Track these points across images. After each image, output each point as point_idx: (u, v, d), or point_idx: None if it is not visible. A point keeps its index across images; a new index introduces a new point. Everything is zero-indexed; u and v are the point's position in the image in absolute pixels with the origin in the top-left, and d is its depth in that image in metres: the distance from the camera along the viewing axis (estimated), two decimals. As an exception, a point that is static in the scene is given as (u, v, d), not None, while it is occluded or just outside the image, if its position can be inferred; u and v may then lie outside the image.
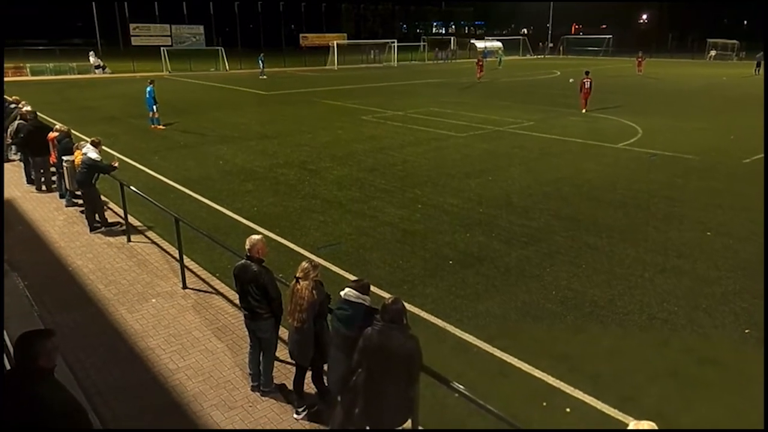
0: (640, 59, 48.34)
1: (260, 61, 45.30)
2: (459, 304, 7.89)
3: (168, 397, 5.94)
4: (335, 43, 57.33)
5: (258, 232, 9.35)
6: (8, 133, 14.29)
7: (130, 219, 10.66)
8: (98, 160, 10.54)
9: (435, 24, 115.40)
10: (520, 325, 7.37)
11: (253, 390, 6.03)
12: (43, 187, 13.34)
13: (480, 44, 75.61)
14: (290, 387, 5.89)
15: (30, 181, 13.78)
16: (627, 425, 3.09)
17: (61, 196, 12.58)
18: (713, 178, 14.35)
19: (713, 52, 67.10)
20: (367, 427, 4.85)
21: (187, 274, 8.65)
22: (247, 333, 6.12)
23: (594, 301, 7.96)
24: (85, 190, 10.65)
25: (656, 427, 2.94)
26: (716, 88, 36.42)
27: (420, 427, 4.89)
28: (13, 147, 15.49)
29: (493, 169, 15.23)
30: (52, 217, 11.60)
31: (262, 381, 6.01)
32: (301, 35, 65.90)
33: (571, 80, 41.36)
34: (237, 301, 6.62)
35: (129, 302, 7.98)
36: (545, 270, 8.95)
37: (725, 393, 6.04)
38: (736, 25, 78.64)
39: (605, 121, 22.96)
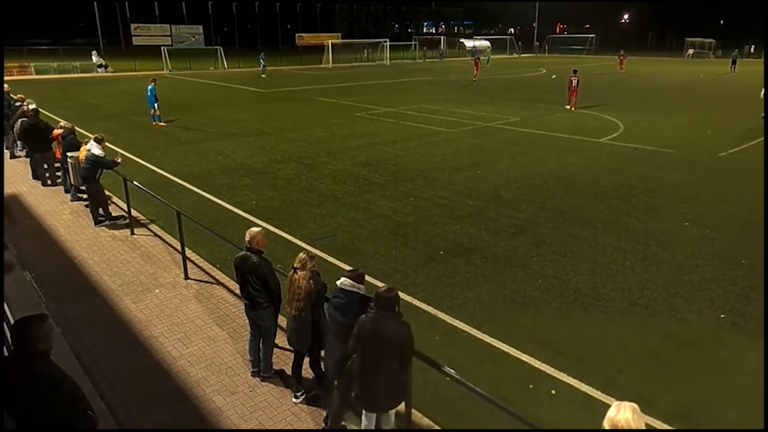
0: (621, 57, 48.37)
1: (261, 60, 44.98)
2: (449, 292, 7.92)
3: (172, 383, 5.93)
4: (330, 42, 57.02)
5: (257, 225, 9.32)
6: (14, 130, 14.18)
7: (133, 213, 10.60)
8: (102, 156, 10.47)
9: (426, 24, 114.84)
10: (507, 312, 7.41)
11: (253, 375, 6.04)
12: (49, 182, 13.24)
13: (469, 43, 75.35)
14: (289, 372, 5.90)
15: (35, 177, 13.67)
16: (609, 406, 3.11)
17: (66, 191, 12.50)
18: (691, 171, 14.42)
19: (691, 51, 67.25)
20: (363, 410, 4.88)
21: (189, 265, 8.62)
22: (247, 321, 6.12)
23: (578, 288, 8.00)
24: (89, 185, 10.57)
25: (637, 408, 2.96)
26: (694, 85, 36.53)
27: (413, 410, 4.92)
28: (19, 143, 15.38)
29: (481, 163, 15.24)
30: (58, 211, 11.52)
31: (261, 367, 6.02)
32: (297, 35, 65.52)
33: (553, 76, 41.48)
34: (237, 291, 6.62)
35: (133, 293, 7.95)
36: (532, 259, 8.99)
37: (702, 375, 6.11)
38: (712, 24, 78.75)
39: (588, 117, 23.00)
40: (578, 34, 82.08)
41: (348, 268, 6.47)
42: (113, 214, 10.93)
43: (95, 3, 50.98)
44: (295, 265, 5.31)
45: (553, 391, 5.78)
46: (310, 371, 5.80)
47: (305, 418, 5.43)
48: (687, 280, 8.21)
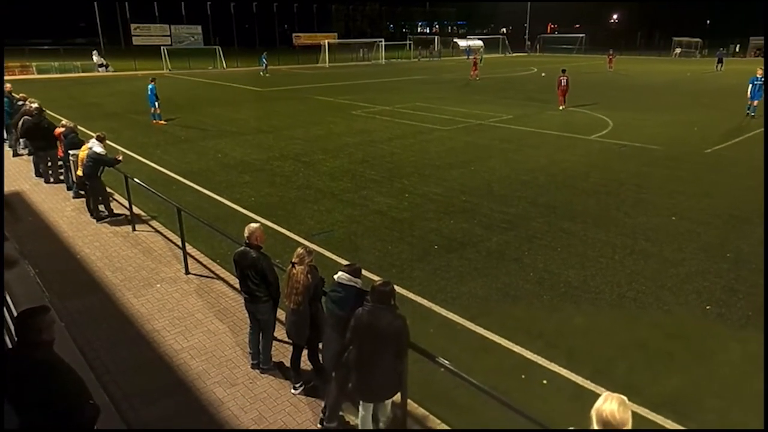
0: (610, 57, 48.40)
1: (263, 59, 44.75)
2: (444, 285, 7.93)
3: (173, 375, 5.93)
4: (326, 42, 56.79)
5: (256, 221, 9.27)
6: (17, 128, 14.09)
7: (135, 209, 10.57)
8: (103, 153, 10.43)
9: (420, 24, 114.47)
10: (500, 305, 7.43)
11: (253, 368, 6.04)
12: (51, 180, 13.18)
13: (462, 43, 75.24)
14: (288, 364, 5.91)
15: (38, 174, 13.60)
16: (599, 396, 3.12)
17: (69, 188, 12.44)
18: (678, 167, 14.47)
19: (678, 50, 67.33)
20: (360, 400, 4.89)
21: (190, 260, 8.60)
22: (246, 315, 6.12)
23: (569, 281, 8.03)
24: (91, 182, 10.53)
25: (625, 400, 2.97)
26: (681, 84, 36.60)
27: (408, 400, 4.93)
28: (21, 141, 15.28)
29: (474, 160, 15.24)
30: (60, 207, 11.47)
31: (261, 359, 6.02)
32: (294, 35, 65.15)
33: (543, 74, 41.54)
34: (237, 286, 6.61)
35: (135, 288, 7.94)
36: (524, 253, 9.01)
37: (689, 364, 6.15)
38: (699, 24, 78.89)
39: (579, 115, 23.03)
40: (569, 34, 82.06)
41: (345, 262, 6.46)
42: (115, 211, 10.88)
43: (95, 3, 50.57)
44: (293, 260, 5.31)
45: (545, 381, 5.80)
46: (309, 363, 5.80)
47: (304, 408, 5.44)
48: (674, 273, 8.26)
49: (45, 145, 12.93)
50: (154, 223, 10.58)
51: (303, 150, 16.57)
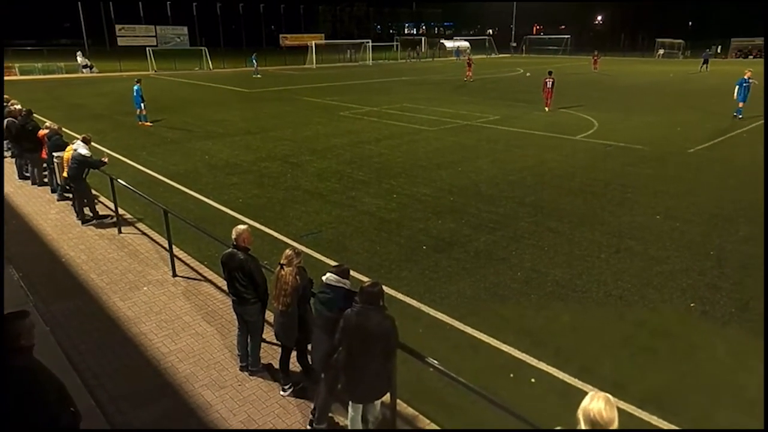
0: (595, 58, 48.91)
1: (253, 60, 44.45)
2: (432, 285, 7.95)
3: (161, 379, 5.87)
4: (313, 43, 56.72)
5: (243, 223, 9.26)
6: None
7: (121, 211, 10.46)
8: (88, 155, 10.30)
9: (407, 25, 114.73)
10: (488, 304, 7.46)
11: (241, 370, 6.00)
12: (38, 181, 12.99)
13: (449, 44, 75.50)
14: (276, 366, 5.88)
15: (22, 177, 13.40)
16: (586, 393, 3.14)
17: (53, 191, 12.27)
18: (661, 166, 14.64)
19: (661, 51, 68.19)
20: (349, 401, 4.88)
21: (177, 262, 8.53)
22: (234, 317, 6.08)
23: (556, 280, 8.09)
24: (76, 184, 10.40)
25: (611, 398, 2.99)
26: (664, 85, 37.05)
27: (398, 400, 4.93)
28: (5, 143, 15.05)
29: (462, 160, 15.29)
30: (45, 210, 11.31)
31: (249, 361, 5.98)
32: (281, 35, 64.97)
33: (528, 74, 41.84)
34: (225, 288, 6.57)
35: (121, 290, 7.85)
36: (511, 253, 9.06)
37: (674, 361, 6.21)
38: (681, 26, 79.93)
39: (564, 115, 23.21)
40: (554, 35, 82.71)
41: (333, 263, 6.45)
42: (100, 213, 10.76)
43: (80, 4, 49.97)
44: (281, 262, 5.28)
45: (533, 380, 5.84)
46: (298, 365, 5.78)
47: (293, 410, 5.42)
48: (659, 271, 8.35)
49: (33, 147, 12.74)
50: (140, 225, 10.48)
51: (291, 151, 16.51)
